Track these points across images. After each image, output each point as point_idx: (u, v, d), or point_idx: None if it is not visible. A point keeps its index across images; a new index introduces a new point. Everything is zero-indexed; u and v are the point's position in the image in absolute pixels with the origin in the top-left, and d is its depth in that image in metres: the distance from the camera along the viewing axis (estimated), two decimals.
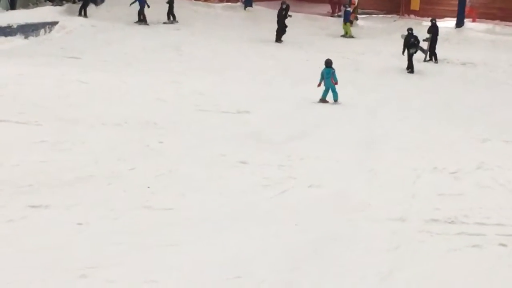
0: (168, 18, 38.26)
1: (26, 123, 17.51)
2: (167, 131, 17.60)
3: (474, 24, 42.87)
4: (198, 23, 38.38)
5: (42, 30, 32.30)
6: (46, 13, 34.89)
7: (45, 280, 9.81)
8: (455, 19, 42.06)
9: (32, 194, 12.90)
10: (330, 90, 21.62)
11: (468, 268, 10.80)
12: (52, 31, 32.85)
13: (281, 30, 34.48)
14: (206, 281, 10.07)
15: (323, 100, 21.63)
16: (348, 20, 38.10)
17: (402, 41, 28.53)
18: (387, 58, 30.85)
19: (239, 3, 45.36)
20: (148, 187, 13.60)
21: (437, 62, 30.62)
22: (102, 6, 40.09)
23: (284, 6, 34.90)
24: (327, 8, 45.58)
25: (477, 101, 23.34)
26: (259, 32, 36.53)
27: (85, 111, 18.94)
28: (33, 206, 12.31)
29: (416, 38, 28.54)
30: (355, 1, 41.94)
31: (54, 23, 33.40)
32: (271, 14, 41.55)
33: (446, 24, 40.26)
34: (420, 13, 44.26)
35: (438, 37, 31.29)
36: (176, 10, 38.81)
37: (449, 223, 12.42)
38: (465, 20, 42.11)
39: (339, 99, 21.60)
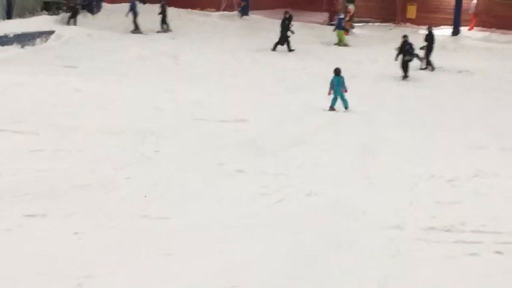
0: (162, 27, 38.35)
1: (23, 132, 17.49)
2: (163, 139, 17.58)
3: (470, 32, 43.10)
4: (194, 32, 38.52)
5: (39, 39, 32.39)
6: (42, 22, 35.00)
7: None
8: (452, 27, 42.24)
9: (29, 203, 12.86)
10: (339, 98, 21.72)
11: (465, 276, 10.78)
12: (49, 40, 32.95)
13: (283, 39, 34.45)
14: None
15: (332, 108, 21.72)
16: (342, 27, 38.08)
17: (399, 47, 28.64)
18: (384, 66, 30.94)
19: (235, 12, 45.48)
20: (145, 196, 13.57)
21: (433, 70, 30.70)
22: (99, 15, 40.27)
23: (287, 16, 34.88)
24: (324, 16, 45.68)
25: (474, 108, 23.40)
26: (256, 40, 36.65)
27: (81, 119, 18.95)
28: (29, 215, 12.26)
29: (411, 45, 28.62)
30: (351, 10, 42.04)
31: (50, 32, 33.50)
32: (268, 23, 41.74)
33: (443, 32, 40.43)
34: (416, 22, 44.50)
35: (435, 45, 31.39)
36: (172, 19, 38.95)
37: (446, 231, 12.41)
38: (462, 28, 42.32)
39: (349, 106, 21.75)
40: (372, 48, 36.70)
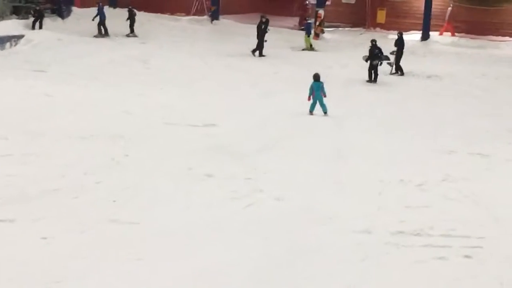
0: (131, 31, 38.31)
1: None
2: (133, 144, 17.54)
3: (439, 37, 43.38)
4: (164, 36, 38.48)
5: (8, 44, 32.21)
6: (11, 26, 34.83)
7: None
8: (421, 32, 42.54)
9: None
10: (318, 103, 21.82)
11: (434, 280, 10.85)
12: (18, 44, 32.77)
13: (260, 44, 34.35)
14: None
15: (311, 113, 21.81)
16: (310, 32, 38.13)
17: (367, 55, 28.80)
18: (354, 70, 31.05)
19: (205, 17, 45.45)
20: (114, 201, 13.53)
21: (403, 75, 30.86)
22: (69, 19, 40.12)
23: (263, 20, 34.78)
24: (294, 21, 45.80)
25: (443, 113, 23.53)
26: (226, 45, 36.67)
27: (51, 124, 18.84)
28: None
29: (380, 49, 28.81)
30: (321, 14, 42.16)
31: (20, 37, 33.32)
32: (238, 27, 41.80)
33: (412, 37, 40.67)
34: (386, 26, 44.79)
35: (404, 50, 31.59)
36: (142, 23, 38.93)
37: (415, 235, 12.48)
38: (432, 32, 42.60)
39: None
40: (343, 53, 36.87)
